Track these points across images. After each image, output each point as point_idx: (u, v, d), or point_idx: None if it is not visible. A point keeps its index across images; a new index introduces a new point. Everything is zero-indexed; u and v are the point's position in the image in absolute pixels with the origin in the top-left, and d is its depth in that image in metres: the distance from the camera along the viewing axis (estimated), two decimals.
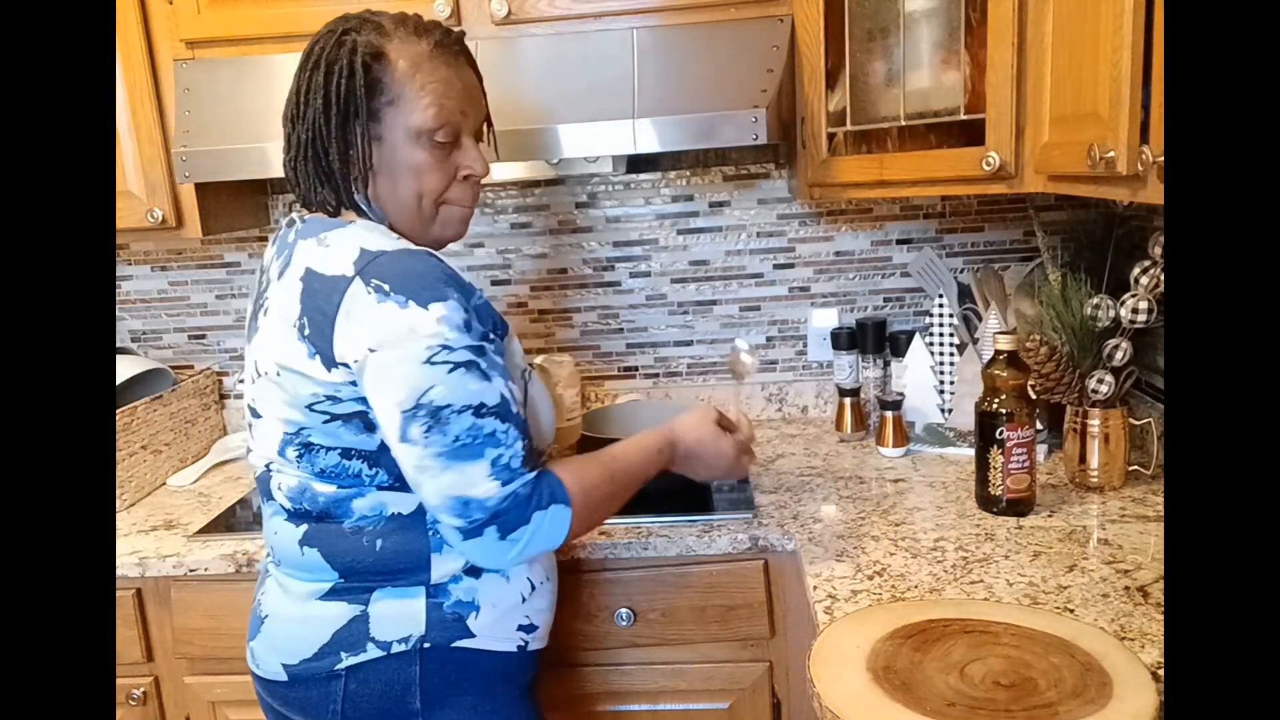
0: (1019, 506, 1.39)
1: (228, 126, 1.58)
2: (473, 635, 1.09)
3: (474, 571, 1.10)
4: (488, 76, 1.18)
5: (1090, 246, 1.63)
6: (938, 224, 1.92)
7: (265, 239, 2.02)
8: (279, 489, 1.10)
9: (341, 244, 1.02)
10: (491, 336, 1.02)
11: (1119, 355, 1.42)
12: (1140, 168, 0.98)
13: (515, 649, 1.13)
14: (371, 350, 0.97)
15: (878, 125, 1.54)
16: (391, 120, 1.05)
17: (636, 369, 2.01)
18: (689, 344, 2.00)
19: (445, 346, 0.97)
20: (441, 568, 1.08)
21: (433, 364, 0.96)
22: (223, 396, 2.09)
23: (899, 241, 1.93)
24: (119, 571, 1.46)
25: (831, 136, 1.58)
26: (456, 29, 1.17)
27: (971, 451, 1.47)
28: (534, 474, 1.02)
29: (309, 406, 1.02)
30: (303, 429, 1.04)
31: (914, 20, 1.47)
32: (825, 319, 1.95)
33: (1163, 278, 1.38)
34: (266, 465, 1.11)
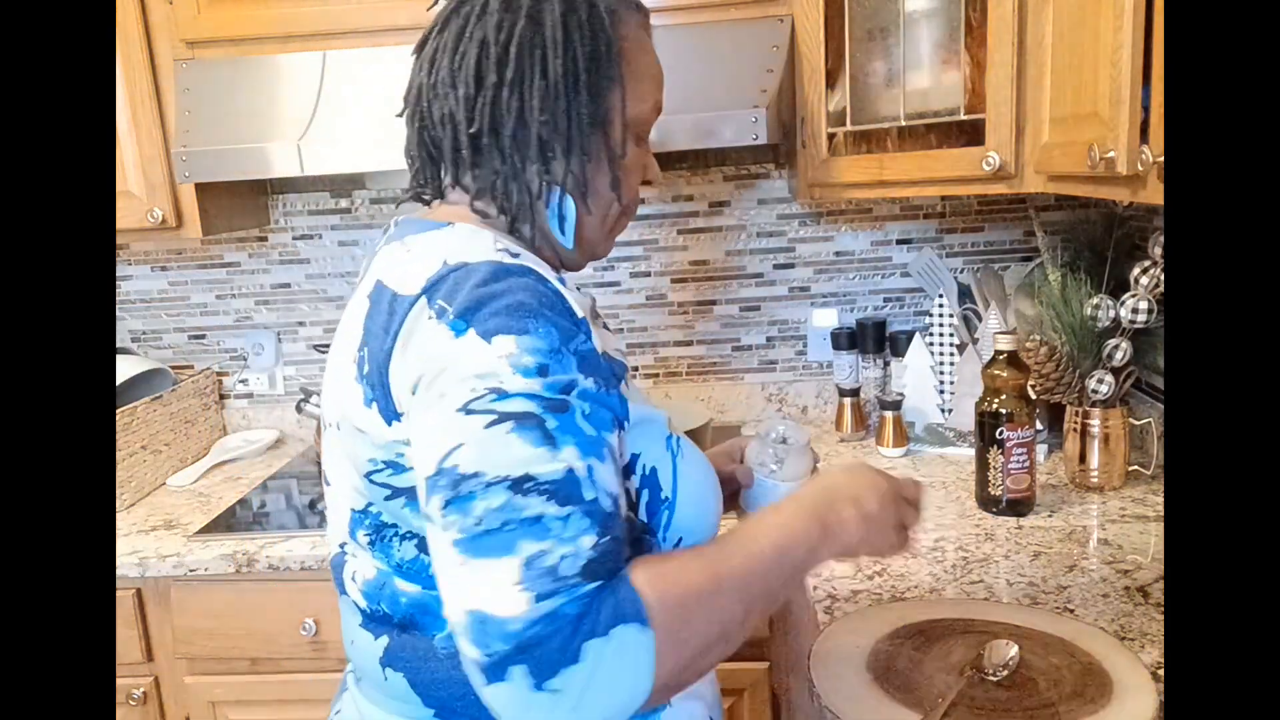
0: (1019, 506, 1.39)
1: (228, 126, 1.58)
2: None
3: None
4: None
5: (1090, 246, 1.63)
6: (938, 224, 1.92)
7: (265, 239, 2.02)
8: (353, 580, 0.83)
9: (426, 250, 0.77)
10: (583, 395, 0.71)
11: (1119, 355, 1.42)
12: (1140, 168, 0.98)
13: None
14: (413, 392, 0.71)
15: (878, 125, 1.54)
16: (610, 103, 0.81)
17: (636, 369, 2.01)
18: (689, 344, 2.00)
19: (495, 391, 0.67)
20: None
21: (470, 413, 0.67)
22: (223, 396, 2.09)
23: (899, 241, 1.93)
24: (119, 571, 1.47)
25: (831, 136, 1.58)
26: None
27: (971, 451, 1.47)
28: (596, 585, 0.67)
29: (369, 476, 0.77)
30: (370, 505, 0.79)
31: (914, 20, 1.47)
32: (825, 319, 1.95)
33: (1163, 278, 1.38)
34: (340, 546, 0.85)
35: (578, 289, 0.81)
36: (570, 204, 0.82)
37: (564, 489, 0.67)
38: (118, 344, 2.07)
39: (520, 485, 0.66)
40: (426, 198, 0.87)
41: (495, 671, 0.65)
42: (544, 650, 0.64)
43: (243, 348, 2.08)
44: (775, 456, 0.94)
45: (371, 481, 0.77)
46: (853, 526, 0.80)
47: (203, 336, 2.08)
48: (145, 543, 1.53)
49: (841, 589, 1.20)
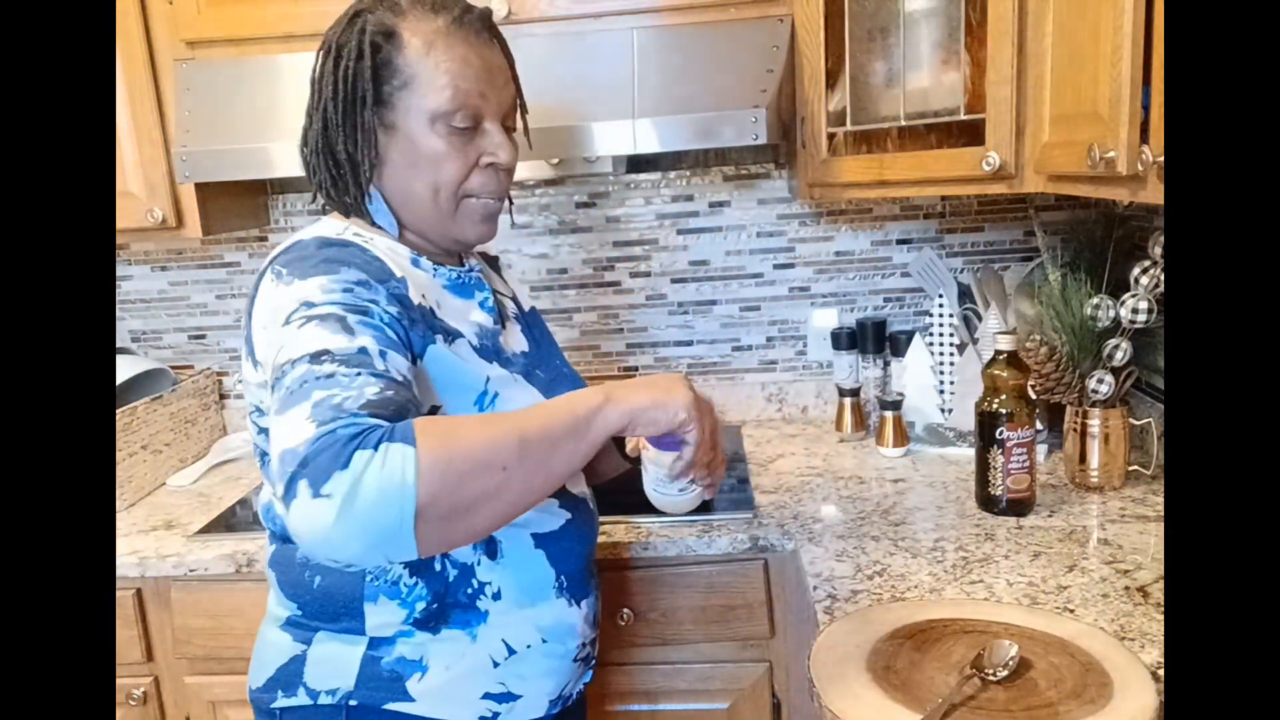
0: (1019, 506, 1.39)
1: (228, 126, 1.58)
2: (410, 699, 0.96)
3: (429, 625, 0.96)
4: None
5: (1090, 246, 1.63)
6: (938, 224, 1.92)
7: (265, 239, 2.02)
8: (261, 500, 1.05)
9: (295, 238, 0.97)
10: (387, 314, 0.86)
11: (1119, 355, 1.42)
12: (1140, 168, 0.98)
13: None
14: (260, 337, 0.91)
15: (878, 125, 1.54)
16: (405, 104, 0.96)
17: (636, 369, 2.01)
18: (689, 344, 2.00)
19: (306, 303, 0.83)
20: (376, 618, 0.96)
21: (288, 324, 0.83)
22: (223, 396, 2.09)
23: (899, 241, 1.93)
24: (119, 571, 1.46)
25: (831, 136, 1.58)
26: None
27: (971, 451, 1.47)
28: (374, 418, 0.74)
29: (251, 418, 0.98)
30: (256, 444, 1.00)
31: (914, 20, 1.47)
32: (825, 319, 1.95)
33: (1163, 278, 1.38)
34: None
35: (463, 282, 1.05)
36: (382, 201, 1.00)
37: (355, 358, 0.79)
38: (118, 344, 2.07)
39: (318, 357, 0.78)
40: (347, 205, 1.03)
41: (288, 491, 0.72)
42: (319, 462, 0.71)
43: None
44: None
45: (254, 423, 0.98)
46: (640, 392, 0.86)
47: (203, 336, 2.08)
48: (145, 543, 1.53)
49: (841, 589, 1.20)
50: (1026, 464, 1.38)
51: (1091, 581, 1.18)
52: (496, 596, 0.98)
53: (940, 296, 1.78)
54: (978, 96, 1.39)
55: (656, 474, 0.97)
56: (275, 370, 0.80)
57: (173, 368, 2.01)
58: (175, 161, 1.55)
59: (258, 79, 1.61)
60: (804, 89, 1.57)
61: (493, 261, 1.24)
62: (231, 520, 1.62)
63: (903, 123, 1.48)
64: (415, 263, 1.00)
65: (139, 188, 1.67)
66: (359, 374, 0.77)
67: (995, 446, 1.37)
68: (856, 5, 1.52)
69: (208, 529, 1.57)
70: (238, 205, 1.85)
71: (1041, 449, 1.62)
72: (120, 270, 2.05)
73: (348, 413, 0.74)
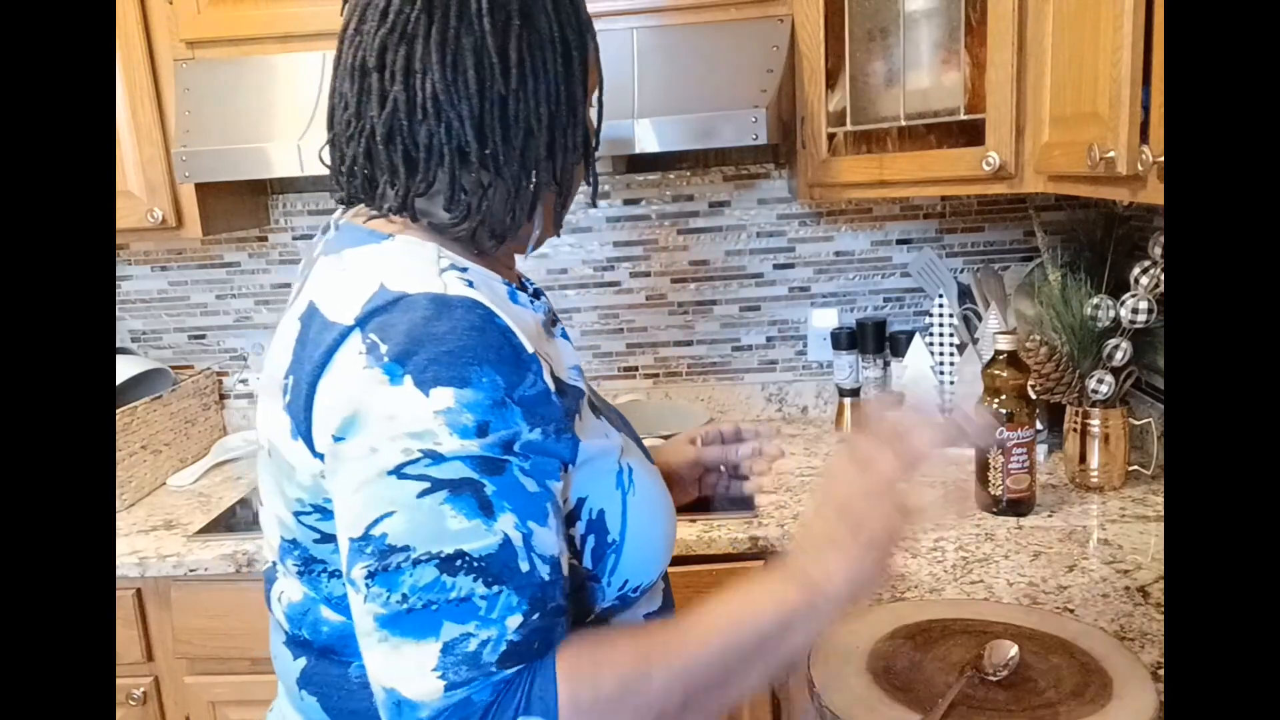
0: (1019, 506, 1.39)
1: (228, 126, 1.58)
2: None
3: None
4: None
5: (1090, 246, 1.63)
6: (938, 224, 1.92)
7: (265, 239, 2.02)
8: (279, 600, 0.80)
9: (362, 269, 0.72)
10: (525, 448, 0.67)
11: (1119, 355, 1.42)
12: (1140, 168, 0.98)
13: None
14: (336, 439, 0.67)
15: (878, 125, 1.54)
16: (586, 87, 0.78)
17: (636, 369, 2.01)
18: (689, 344, 2.00)
19: (430, 455, 0.64)
20: None
21: (402, 477, 0.64)
22: (223, 396, 2.09)
23: (899, 241, 1.93)
24: (119, 571, 1.46)
25: (831, 136, 1.58)
26: None
27: (971, 451, 1.47)
28: (514, 671, 0.64)
29: (296, 516, 0.74)
30: (297, 541, 0.75)
31: (914, 20, 1.47)
32: (825, 319, 1.95)
33: (1163, 278, 1.38)
34: (273, 563, 0.82)
35: (535, 296, 0.80)
36: (540, 207, 0.77)
37: (496, 563, 0.64)
38: (118, 344, 2.07)
39: (450, 563, 0.63)
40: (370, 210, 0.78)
41: None
42: None
43: (243, 348, 2.07)
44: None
45: (299, 521, 0.73)
46: (839, 577, 0.69)
47: (203, 336, 2.08)
48: (145, 543, 1.53)
49: None
50: (1026, 464, 1.38)
51: (1091, 581, 1.18)
52: None
53: (940, 296, 1.78)
54: (978, 96, 1.39)
55: None
56: (377, 543, 0.64)
57: (173, 368, 2.01)
58: (175, 161, 1.55)
59: (258, 79, 1.61)
60: (804, 89, 1.57)
61: None
62: (231, 520, 1.62)
63: (903, 123, 1.48)
64: (513, 297, 0.76)
65: (139, 188, 1.67)
66: (500, 593, 0.64)
67: (995, 446, 1.37)
68: (856, 5, 1.52)
69: (208, 529, 1.57)
70: (238, 205, 1.85)
71: (1041, 449, 1.62)
72: (120, 270, 2.05)
73: (484, 668, 0.63)
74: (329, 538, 0.72)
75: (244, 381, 2.08)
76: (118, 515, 1.67)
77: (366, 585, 0.65)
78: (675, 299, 1.98)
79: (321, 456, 0.69)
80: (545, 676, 0.64)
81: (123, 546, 1.52)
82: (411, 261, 0.72)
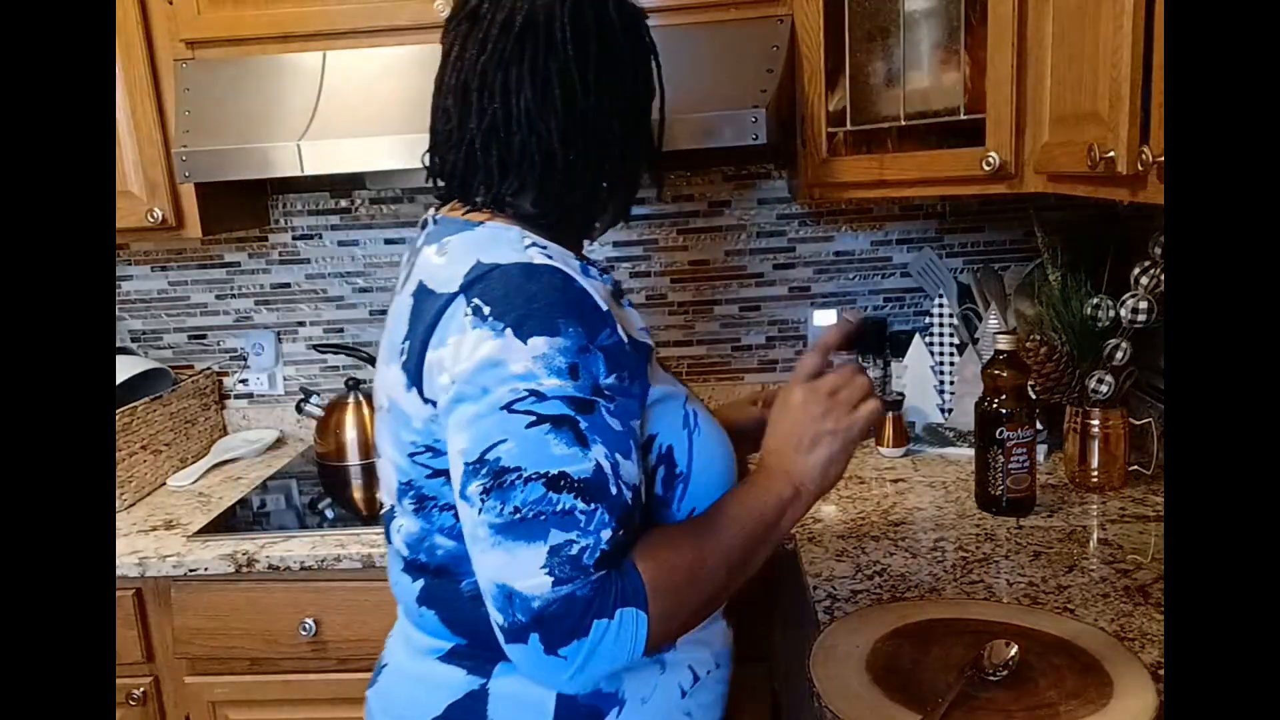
0: (1019, 506, 1.39)
1: (228, 126, 1.58)
2: None
3: None
4: None
5: (1090, 246, 1.63)
6: (938, 224, 1.92)
7: (265, 239, 2.02)
8: (398, 533, 0.93)
9: (460, 252, 0.85)
10: (609, 390, 0.80)
11: (1119, 355, 1.42)
12: (1140, 168, 0.98)
13: None
14: (451, 383, 0.80)
15: (878, 125, 1.53)
16: (649, 94, 0.95)
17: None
18: (689, 344, 2.00)
19: (535, 394, 0.77)
20: None
21: (512, 412, 0.77)
22: (223, 396, 2.09)
23: (899, 241, 1.93)
24: (119, 571, 1.47)
25: (831, 136, 1.58)
26: None
27: (971, 451, 1.47)
28: (605, 573, 0.78)
29: (410, 456, 0.87)
30: (411, 481, 0.88)
31: (914, 20, 1.47)
32: (825, 319, 1.95)
33: (1163, 278, 1.38)
34: (391, 506, 0.95)
35: (602, 271, 0.93)
36: (610, 202, 0.95)
37: (593, 485, 0.78)
38: (118, 344, 2.07)
39: (556, 482, 0.77)
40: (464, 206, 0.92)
41: (515, 635, 0.78)
42: (558, 625, 0.76)
43: (243, 348, 2.08)
44: None
45: (413, 461, 0.87)
46: (808, 467, 0.91)
47: (203, 336, 2.08)
48: (145, 543, 1.53)
49: (841, 589, 1.20)
50: (1026, 464, 1.38)
51: (1091, 581, 1.18)
52: None
53: (940, 296, 1.78)
54: (978, 96, 1.39)
55: None
56: (492, 471, 0.77)
57: (173, 368, 2.01)
58: (175, 161, 1.55)
59: (258, 79, 1.61)
60: (804, 89, 1.57)
61: None
62: (231, 520, 1.62)
63: (903, 123, 1.48)
64: (584, 270, 0.88)
65: (139, 188, 1.67)
66: (595, 511, 0.78)
67: (995, 446, 1.37)
68: (856, 5, 1.52)
69: (208, 529, 1.57)
70: (238, 205, 1.85)
71: (1041, 449, 1.62)
72: (120, 270, 2.05)
73: (584, 569, 0.77)
74: (439, 474, 0.85)
75: (244, 381, 2.08)
76: (118, 515, 1.67)
77: (482, 500, 0.78)
78: (675, 299, 1.98)
79: (432, 403, 0.82)
80: (631, 575, 0.79)
81: (123, 546, 1.52)
82: (501, 241, 0.86)
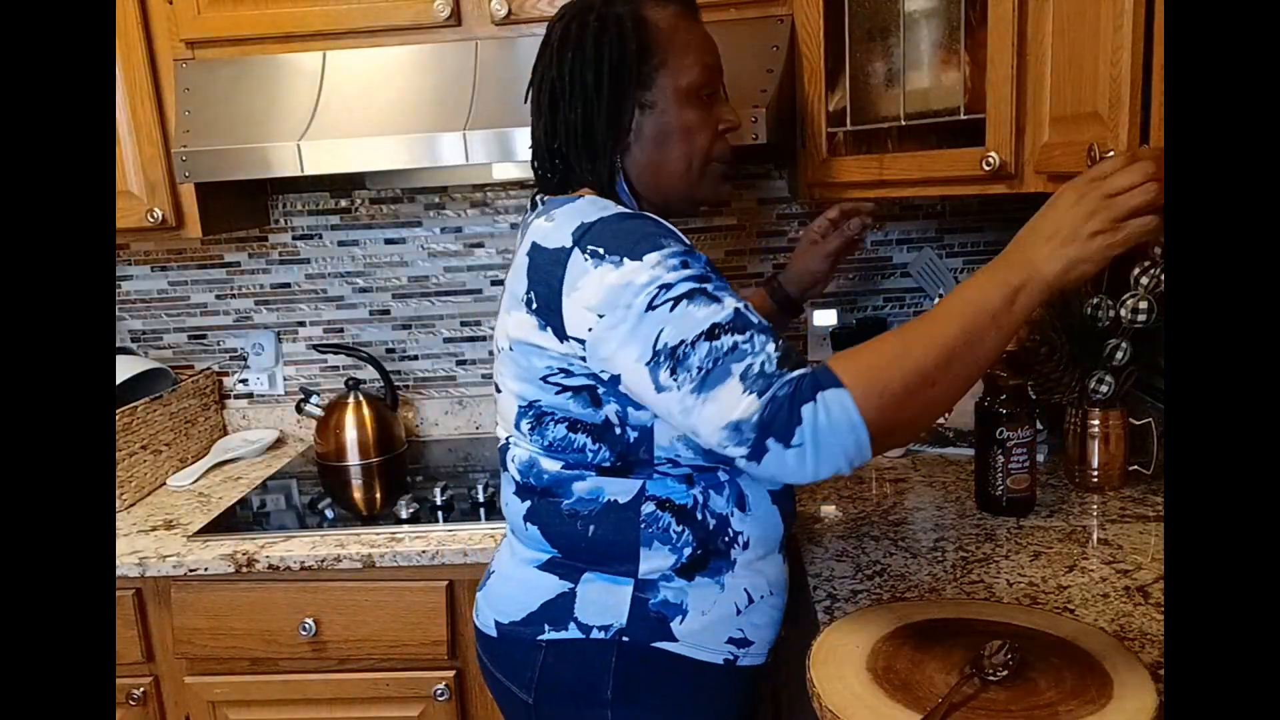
0: (1019, 506, 1.39)
1: (228, 126, 1.58)
2: (675, 639, 1.06)
3: (686, 573, 1.06)
4: (488, 76, 1.18)
5: None
6: (938, 224, 1.92)
7: (265, 239, 2.02)
8: (512, 461, 1.11)
9: (565, 218, 1.01)
10: (713, 275, 0.97)
11: (1119, 355, 1.42)
12: None
13: (722, 661, 1.09)
14: (601, 317, 0.96)
15: (878, 125, 1.53)
16: (662, 83, 1.08)
17: None
18: None
19: (663, 286, 0.93)
20: (649, 563, 1.06)
21: (654, 308, 0.93)
22: (223, 396, 2.09)
23: (899, 241, 1.93)
24: (119, 571, 1.47)
25: (831, 136, 1.58)
26: (456, 28, 1.16)
27: (971, 451, 1.47)
28: (792, 372, 0.90)
29: (543, 379, 1.03)
30: (535, 401, 1.05)
31: (914, 20, 1.47)
32: (825, 319, 1.95)
33: (1163, 278, 1.38)
34: (507, 438, 1.13)
35: None
36: (628, 180, 1.11)
37: (740, 320, 0.92)
38: (118, 344, 2.07)
39: (712, 333, 0.91)
40: (595, 184, 1.11)
41: (758, 453, 0.89)
42: (778, 423, 0.88)
43: (243, 348, 2.08)
44: None
45: (546, 382, 1.03)
46: (1053, 257, 0.88)
47: (203, 336, 2.08)
48: (145, 543, 1.53)
49: (841, 589, 1.20)
50: (1026, 464, 1.37)
51: (1091, 581, 1.18)
52: (745, 546, 1.09)
53: (940, 296, 1.78)
54: (978, 96, 1.39)
55: None
56: (666, 354, 0.92)
57: (173, 368, 2.01)
58: (175, 161, 1.55)
59: (258, 79, 1.61)
60: (804, 89, 1.57)
61: None
62: (231, 520, 1.62)
63: (903, 123, 1.48)
64: None
65: (139, 188, 1.67)
66: (751, 335, 0.91)
67: (995, 446, 1.37)
68: (856, 5, 1.52)
69: (208, 529, 1.57)
70: (238, 205, 1.85)
71: (1041, 449, 1.62)
72: (120, 270, 2.05)
73: (773, 375, 0.89)
74: (566, 389, 1.02)
75: (244, 381, 2.08)
76: (118, 515, 1.67)
77: (672, 378, 0.92)
78: None
79: (576, 340, 0.98)
80: (824, 369, 0.90)
81: (123, 546, 1.52)
82: (597, 205, 1.02)
